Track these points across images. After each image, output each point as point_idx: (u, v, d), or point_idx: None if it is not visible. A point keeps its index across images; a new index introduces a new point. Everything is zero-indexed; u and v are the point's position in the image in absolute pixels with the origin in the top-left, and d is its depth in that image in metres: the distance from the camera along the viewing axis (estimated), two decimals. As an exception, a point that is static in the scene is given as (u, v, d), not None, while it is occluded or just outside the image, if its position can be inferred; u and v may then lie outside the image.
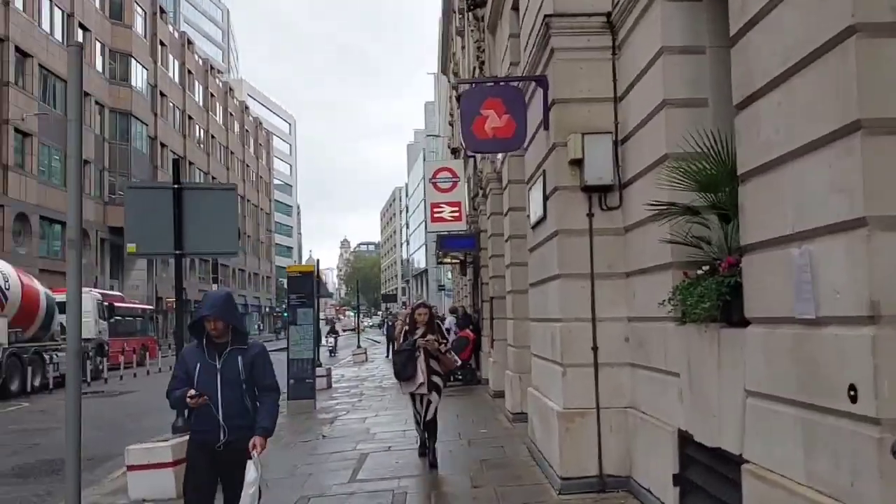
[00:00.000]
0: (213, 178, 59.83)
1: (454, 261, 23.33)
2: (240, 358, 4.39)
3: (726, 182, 4.35)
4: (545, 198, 6.92)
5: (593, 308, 6.33)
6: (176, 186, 7.31)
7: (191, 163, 55.12)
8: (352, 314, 55.06)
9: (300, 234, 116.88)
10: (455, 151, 23.92)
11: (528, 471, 7.36)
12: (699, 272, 4.53)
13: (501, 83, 7.36)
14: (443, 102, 50.05)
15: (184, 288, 7.90)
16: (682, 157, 4.80)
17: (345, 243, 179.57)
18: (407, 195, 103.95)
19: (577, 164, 6.28)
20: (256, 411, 4.47)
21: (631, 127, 6.02)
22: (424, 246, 68.99)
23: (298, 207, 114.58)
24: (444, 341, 7.99)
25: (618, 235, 6.34)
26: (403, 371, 7.78)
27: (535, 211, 7.40)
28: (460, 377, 16.40)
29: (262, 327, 76.27)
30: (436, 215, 18.80)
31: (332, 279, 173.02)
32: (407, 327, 7.97)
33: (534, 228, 7.73)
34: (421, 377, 7.70)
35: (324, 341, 31.20)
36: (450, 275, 43.99)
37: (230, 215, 7.66)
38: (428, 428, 7.93)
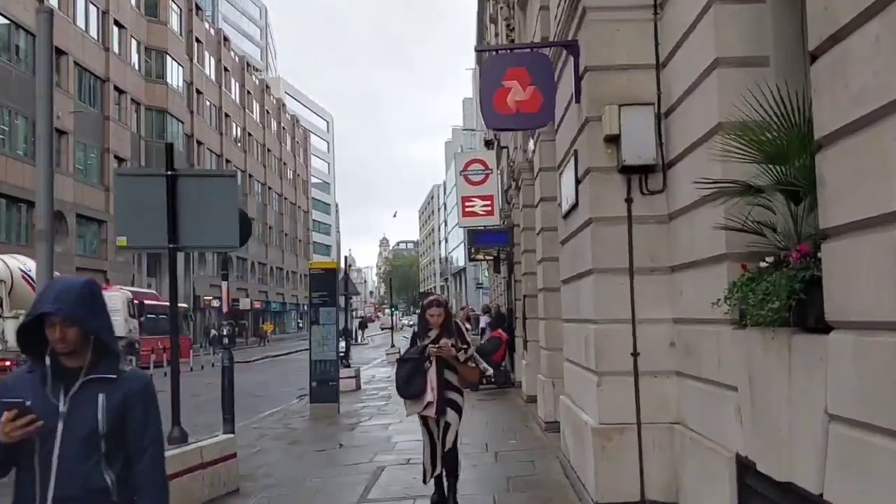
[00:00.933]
0: (250, 175, 59.99)
1: (487, 257, 22.55)
2: (101, 397, 2.47)
3: (797, 151, 3.51)
4: (577, 181, 6.09)
5: (633, 308, 5.49)
6: (169, 173, 6.67)
7: (227, 160, 55.22)
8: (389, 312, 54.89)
9: (339, 232, 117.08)
10: (488, 144, 23.10)
11: (559, 492, 6.51)
12: (762, 264, 3.71)
13: (527, 50, 6.54)
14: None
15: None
16: (738, 127, 3.97)
17: (384, 241, 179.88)
18: (445, 192, 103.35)
19: (614, 140, 5.44)
20: (120, 492, 2.49)
21: (676, 96, 5.16)
22: (463, 244, 68.42)
23: (337, 205, 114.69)
24: (465, 346, 5.96)
25: (661, 223, 5.49)
26: (407, 386, 5.88)
27: (567, 197, 6.56)
28: (493, 380, 15.65)
29: (301, 325, 76.37)
30: (467, 209, 17.97)
31: (371, 277, 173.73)
32: (417, 329, 6.28)
33: (565, 217, 6.90)
34: (430, 395, 5.77)
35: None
36: (486, 272, 43.17)
37: (231, 204, 6.99)
38: (446, 462, 5.95)
